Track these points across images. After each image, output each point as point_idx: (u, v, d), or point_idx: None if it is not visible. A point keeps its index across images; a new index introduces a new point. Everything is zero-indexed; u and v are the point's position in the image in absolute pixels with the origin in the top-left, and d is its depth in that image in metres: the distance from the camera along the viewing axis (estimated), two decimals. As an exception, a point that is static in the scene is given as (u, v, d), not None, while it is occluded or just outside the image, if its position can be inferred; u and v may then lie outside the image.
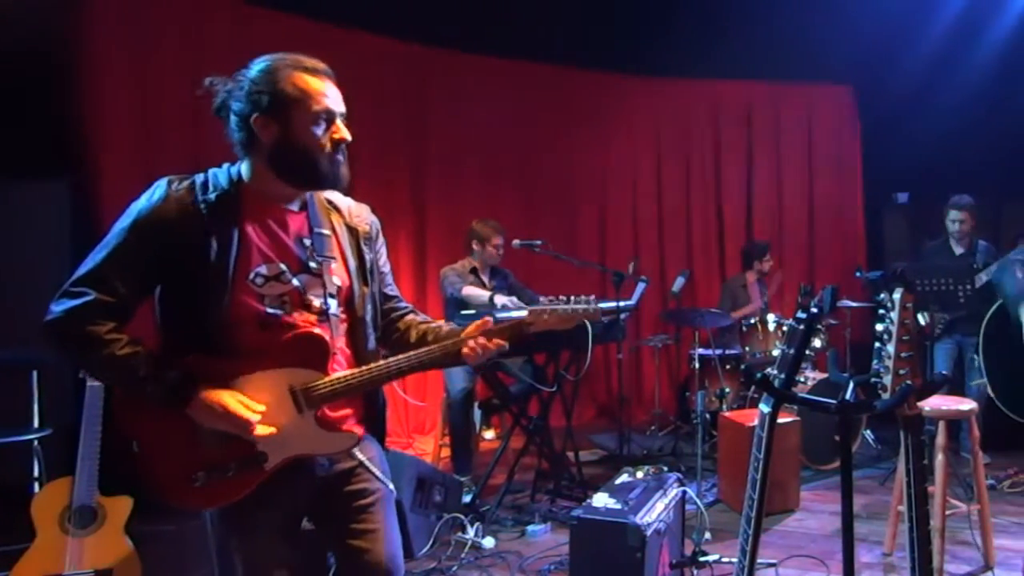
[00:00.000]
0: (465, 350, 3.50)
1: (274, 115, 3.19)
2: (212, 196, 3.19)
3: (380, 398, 3.65)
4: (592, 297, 3.62)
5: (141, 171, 7.89)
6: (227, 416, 3.08)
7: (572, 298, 3.62)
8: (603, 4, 10.54)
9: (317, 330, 3.31)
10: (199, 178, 3.25)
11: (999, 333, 4.54)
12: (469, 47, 11.17)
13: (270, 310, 3.24)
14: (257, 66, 3.25)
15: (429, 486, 6.97)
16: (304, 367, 3.26)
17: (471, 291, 8.17)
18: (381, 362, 3.39)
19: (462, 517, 7.09)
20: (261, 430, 3.15)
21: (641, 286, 8.66)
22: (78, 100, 7.95)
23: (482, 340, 3.51)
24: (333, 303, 3.40)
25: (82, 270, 3.10)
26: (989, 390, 4.57)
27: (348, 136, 3.34)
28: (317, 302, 3.35)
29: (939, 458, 6.08)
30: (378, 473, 3.56)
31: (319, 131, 3.25)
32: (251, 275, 3.21)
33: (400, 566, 3.53)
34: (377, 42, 10.49)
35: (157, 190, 3.19)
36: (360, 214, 3.70)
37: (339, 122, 3.33)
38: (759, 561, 3.73)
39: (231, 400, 3.10)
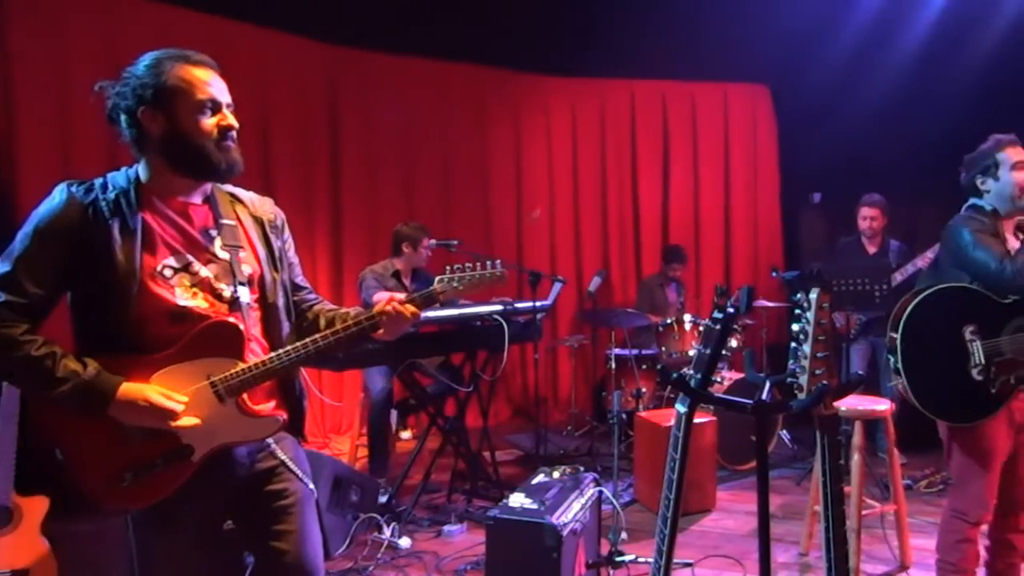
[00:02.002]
0: (381, 320, 3.57)
1: (159, 107, 3.22)
2: (111, 195, 3.20)
3: (298, 388, 3.66)
4: (498, 262, 3.75)
5: (59, 171, 7.86)
6: (151, 409, 3.09)
7: (478, 265, 3.73)
8: (519, 3, 10.52)
9: (231, 318, 3.32)
10: (98, 181, 3.27)
11: (920, 330, 4.56)
12: (384, 47, 11.14)
13: (181, 302, 3.24)
14: (142, 62, 3.29)
15: (345, 486, 6.93)
16: (220, 356, 3.27)
17: (382, 296, 8.11)
18: (298, 343, 3.40)
19: (378, 517, 7.05)
20: (185, 420, 3.16)
21: (557, 286, 8.68)
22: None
23: (395, 306, 3.58)
24: (244, 291, 3.41)
25: None
26: (907, 391, 4.59)
27: (235, 123, 3.36)
28: (227, 291, 3.37)
29: (855, 458, 6.12)
30: (299, 473, 3.57)
31: (205, 119, 3.28)
32: (159, 268, 3.22)
33: (320, 568, 3.54)
34: (293, 42, 10.43)
35: (57, 195, 3.19)
36: (263, 205, 3.73)
37: (226, 110, 3.35)
38: (675, 561, 3.73)
39: (153, 393, 3.11)
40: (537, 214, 11.15)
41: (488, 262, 3.76)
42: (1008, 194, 4.79)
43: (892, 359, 4.67)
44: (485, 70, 12.20)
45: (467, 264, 3.74)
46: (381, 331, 3.59)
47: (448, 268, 3.73)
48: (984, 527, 4.88)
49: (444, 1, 10.16)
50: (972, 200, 4.96)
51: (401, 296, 3.67)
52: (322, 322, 3.72)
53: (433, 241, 8.58)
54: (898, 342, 4.56)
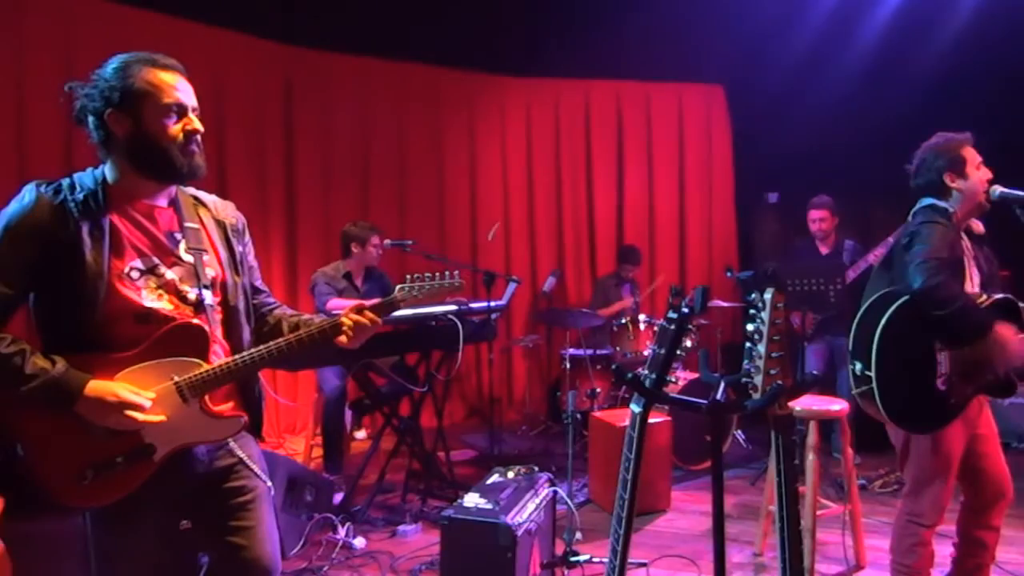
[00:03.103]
0: (343, 328, 3.60)
1: (126, 109, 3.25)
2: (80, 196, 3.21)
3: (257, 390, 3.69)
4: (456, 273, 3.86)
5: (15, 170, 8.04)
6: (118, 404, 3.11)
7: (437, 275, 3.82)
8: (474, 3, 10.52)
9: (195, 320, 3.36)
10: (65, 181, 3.27)
11: (896, 339, 4.53)
12: (340, 47, 11.15)
13: (147, 303, 3.27)
14: (110, 65, 3.31)
15: (300, 486, 6.92)
16: (185, 357, 3.31)
17: (336, 303, 8.12)
18: (261, 347, 3.45)
19: (333, 517, 7.03)
20: (151, 416, 3.18)
21: (512, 286, 8.68)
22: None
23: (355, 316, 3.61)
24: (208, 294, 3.45)
25: None
26: (875, 399, 4.56)
27: (200, 127, 3.40)
28: (192, 294, 3.41)
29: (810, 458, 6.13)
30: (257, 470, 3.62)
31: (170, 123, 3.30)
32: (126, 269, 3.25)
33: (277, 563, 3.57)
34: (248, 42, 10.45)
35: (27, 195, 3.19)
36: (226, 208, 3.77)
37: (191, 114, 3.38)
38: (630, 561, 3.73)
39: (120, 388, 3.14)
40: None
41: (447, 272, 3.86)
42: (977, 192, 4.77)
43: (860, 365, 4.64)
44: (440, 70, 12.20)
45: (427, 273, 3.82)
46: (343, 338, 3.61)
47: (408, 277, 3.80)
48: (942, 527, 4.88)
49: (399, 1, 10.15)
50: (928, 200, 4.89)
51: (363, 303, 3.72)
52: (285, 327, 3.77)
53: (388, 241, 8.56)
54: (874, 350, 4.53)
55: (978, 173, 4.79)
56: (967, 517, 5.01)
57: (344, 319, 3.60)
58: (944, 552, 5.16)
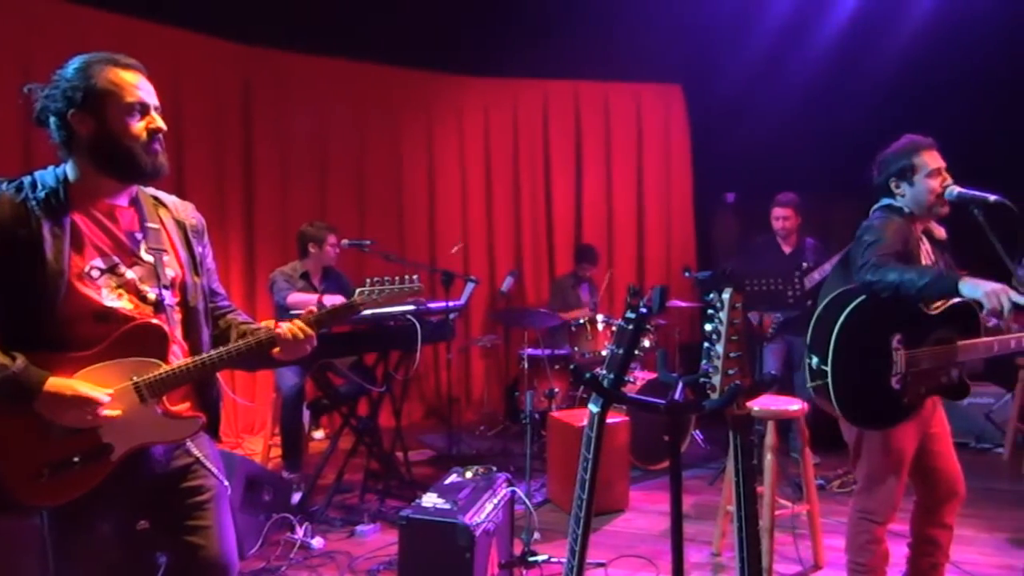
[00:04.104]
0: (280, 332, 3.63)
1: (89, 109, 3.25)
2: (41, 194, 3.22)
3: (215, 390, 3.70)
4: (415, 277, 3.92)
5: None
6: (76, 400, 3.11)
7: (396, 279, 3.88)
8: (431, 4, 10.51)
9: (155, 320, 3.36)
10: (27, 179, 3.29)
11: (854, 335, 4.55)
12: (298, 47, 11.13)
13: (107, 303, 3.28)
14: (72, 65, 3.32)
15: (258, 486, 6.89)
16: (144, 357, 3.32)
17: (297, 298, 8.10)
18: (221, 349, 3.48)
19: (291, 517, 7.00)
20: (109, 412, 3.19)
21: (470, 286, 8.69)
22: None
23: (288, 326, 3.65)
24: (167, 294, 3.46)
25: None
26: (828, 393, 4.58)
27: (163, 126, 3.41)
28: (152, 294, 3.42)
29: (768, 458, 6.16)
30: (214, 470, 3.63)
31: (134, 121, 3.31)
32: (87, 268, 3.26)
33: (234, 562, 3.59)
34: (206, 42, 10.41)
35: None
36: (186, 209, 3.77)
37: (154, 113, 3.39)
38: (588, 561, 3.72)
39: (79, 384, 3.14)
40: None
41: (406, 276, 3.92)
42: (923, 201, 4.80)
43: (817, 360, 4.66)
44: (398, 70, 12.18)
45: (386, 277, 3.87)
46: (277, 350, 3.66)
47: (368, 281, 3.85)
48: (893, 526, 4.90)
49: (357, 1, 10.13)
50: (886, 200, 4.93)
51: (313, 309, 3.78)
52: (233, 334, 3.77)
53: (346, 241, 8.58)
54: (832, 344, 4.56)
55: (929, 181, 4.80)
56: (920, 516, 5.04)
57: (281, 328, 3.63)
58: (901, 552, 5.18)
